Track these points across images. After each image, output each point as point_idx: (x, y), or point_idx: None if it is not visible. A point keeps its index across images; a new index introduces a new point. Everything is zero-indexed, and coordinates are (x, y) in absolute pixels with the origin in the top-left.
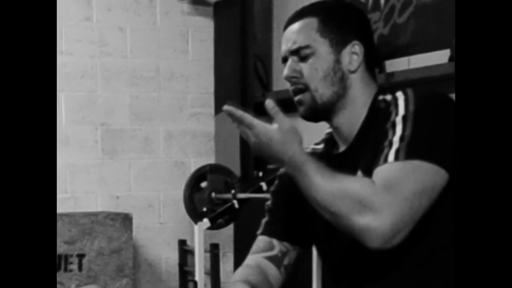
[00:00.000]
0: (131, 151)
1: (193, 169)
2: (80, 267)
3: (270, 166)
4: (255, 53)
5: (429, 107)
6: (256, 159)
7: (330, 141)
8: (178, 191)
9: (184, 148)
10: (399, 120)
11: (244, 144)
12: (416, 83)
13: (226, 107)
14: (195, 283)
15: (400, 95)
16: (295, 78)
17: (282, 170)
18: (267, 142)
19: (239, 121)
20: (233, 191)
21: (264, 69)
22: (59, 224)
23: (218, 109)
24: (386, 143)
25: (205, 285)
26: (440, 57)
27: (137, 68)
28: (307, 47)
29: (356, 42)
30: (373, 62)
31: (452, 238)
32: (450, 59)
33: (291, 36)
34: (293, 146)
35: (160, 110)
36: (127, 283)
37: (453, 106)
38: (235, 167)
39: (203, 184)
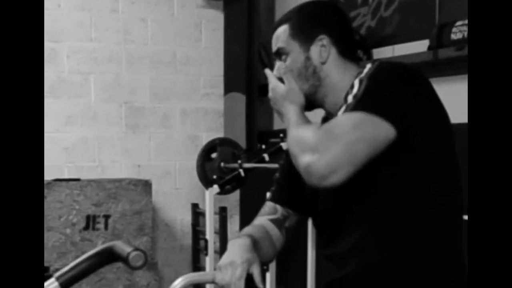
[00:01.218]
0: (151, 126)
1: (204, 142)
2: (106, 226)
3: (272, 140)
4: (259, 42)
5: (385, 71)
6: (259, 133)
7: (325, 119)
8: (191, 161)
9: (197, 123)
10: (356, 82)
11: (249, 120)
12: None
13: (266, 70)
14: (206, 241)
15: (368, 65)
16: (281, 80)
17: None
18: (275, 96)
19: (267, 76)
20: (239, 161)
21: (268, 56)
22: (88, 189)
23: (227, 90)
24: (343, 103)
25: (214, 242)
26: (421, 46)
27: (157, 54)
28: (282, 49)
29: (322, 36)
30: (347, 48)
31: (414, 193)
32: (429, 48)
33: (273, 40)
34: (291, 104)
35: (177, 91)
36: (147, 240)
37: (415, 75)
38: (242, 141)
39: (213, 155)
